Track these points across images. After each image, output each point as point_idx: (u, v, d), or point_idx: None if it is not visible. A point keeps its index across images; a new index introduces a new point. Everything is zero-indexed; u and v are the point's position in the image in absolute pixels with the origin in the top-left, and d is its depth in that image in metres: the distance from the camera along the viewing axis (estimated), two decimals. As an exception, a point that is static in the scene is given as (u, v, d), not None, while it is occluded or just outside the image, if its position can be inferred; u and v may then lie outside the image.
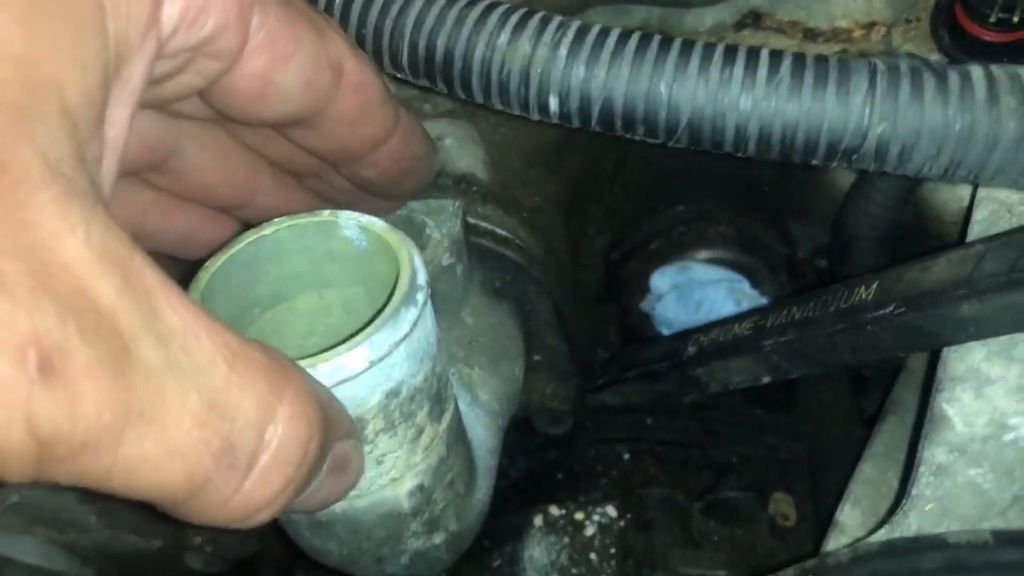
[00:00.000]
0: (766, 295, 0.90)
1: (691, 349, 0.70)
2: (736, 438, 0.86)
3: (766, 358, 0.62)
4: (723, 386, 0.69)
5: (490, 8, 0.53)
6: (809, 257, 0.91)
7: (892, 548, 0.42)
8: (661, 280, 0.90)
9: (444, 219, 0.62)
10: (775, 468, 0.84)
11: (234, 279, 0.47)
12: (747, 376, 0.66)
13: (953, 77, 0.48)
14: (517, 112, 0.54)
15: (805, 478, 0.83)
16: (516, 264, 0.69)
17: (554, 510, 0.78)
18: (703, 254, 0.89)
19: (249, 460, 0.34)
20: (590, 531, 0.77)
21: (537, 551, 0.76)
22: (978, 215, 0.56)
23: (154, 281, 0.32)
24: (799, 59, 0.49)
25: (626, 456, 0.84)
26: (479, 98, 0.54)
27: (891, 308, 0.52)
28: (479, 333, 0.67)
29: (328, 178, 0.53)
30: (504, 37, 0.52)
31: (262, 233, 0.47)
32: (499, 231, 0.69)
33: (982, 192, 0.57)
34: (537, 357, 0.75)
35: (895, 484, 0.61)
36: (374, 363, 0.42)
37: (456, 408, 0.53)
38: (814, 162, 0.50)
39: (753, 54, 0.50)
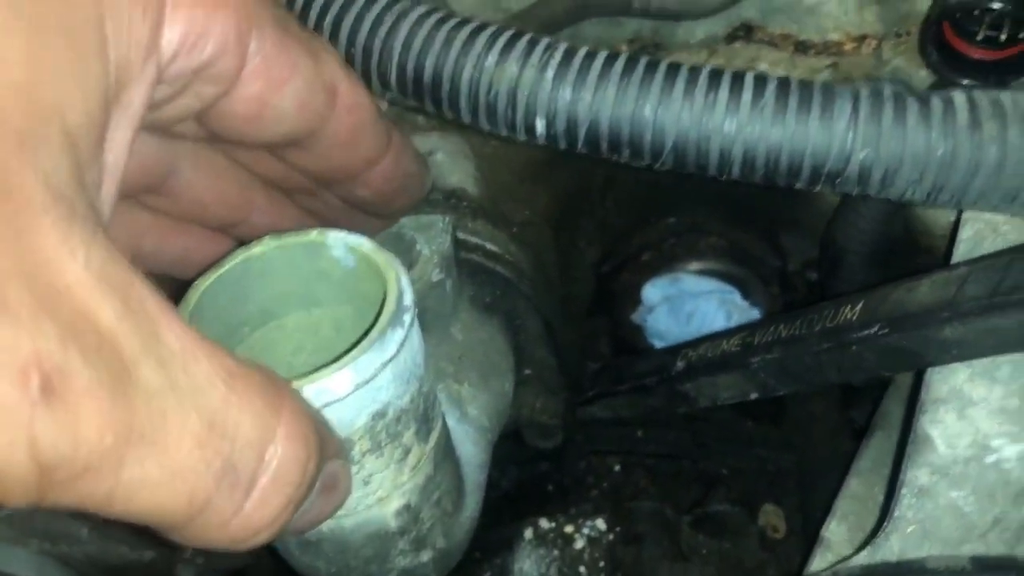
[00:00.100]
0: (757, 307, 0.90)
1: (680, 364, 0.71)
2: (726, 450, 0.86)
3: (753, 375, 0.63)
4: (712, 401, 0.69)
5: (478, 30, 0.54)
6: (800, 270, 0.91)
7: (872, 574, 0.42)
8: (652, 292, 0.90)
9: (434, 235, 0.62)
10: (764, 480, 0.84)
11: (223, 298, 0.47)
12: (735, 392, 0.66)
13: (936, 103, 0.49)
14: (504, 134, 0.54)
15: (794, 490, 0.84)
16: (506, 279, 0.69)
17: (544, 523, 0.78)
18: (694, 266, 0.89)
19: (250, 480, 0.34)
20: (580, 544, 0.77)
21: (527, 564, 0.76)
22: (963, 234, 0.57)
23: (153, 304, 0.32)
24: (783, 84, 0.50)
25: (616, 468, 0.84)
26: (467, 119, 0.54)
27: (875, 328, 0.52)
28: (469, 348, 0.67)
29: (322, 196, 0.54)
30: (492, 59, 0.52)
31: (250, 252, 0.47)
32: (489, 246, 0.70)
33: (968, 212, 0.57)
34: (527, 371, 0.75)
35: (881, 500, 0.61)
36: (360, 386, 0.42)
37: (444, 426, 0.53)
38: (798, 185, 0.51)
39: (738, 78, 0.50)
